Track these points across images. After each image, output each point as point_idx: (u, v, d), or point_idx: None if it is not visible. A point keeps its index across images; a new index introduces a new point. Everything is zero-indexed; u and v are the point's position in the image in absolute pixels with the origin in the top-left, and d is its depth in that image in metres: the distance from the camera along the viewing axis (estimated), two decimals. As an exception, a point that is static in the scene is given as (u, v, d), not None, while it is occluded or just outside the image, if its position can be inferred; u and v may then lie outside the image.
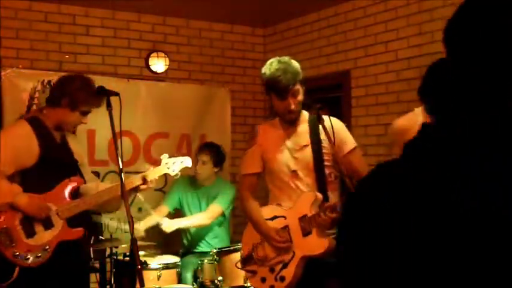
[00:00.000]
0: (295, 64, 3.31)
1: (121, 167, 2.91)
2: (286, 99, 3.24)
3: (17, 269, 3.28)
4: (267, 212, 3.38)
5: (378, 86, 5.40)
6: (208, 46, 6.46)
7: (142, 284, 2.70)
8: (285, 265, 3.24)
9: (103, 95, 3.13)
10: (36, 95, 5.10)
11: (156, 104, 5.73)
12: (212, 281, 4.42)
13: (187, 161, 3.78)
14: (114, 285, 4.47)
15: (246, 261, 3.42)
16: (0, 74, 5.03)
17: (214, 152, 5.09)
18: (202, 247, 5.10)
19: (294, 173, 3.30)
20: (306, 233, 3.21)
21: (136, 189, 3.57)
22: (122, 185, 2.92)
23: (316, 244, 3.17)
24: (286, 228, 3.29)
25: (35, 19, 5.61)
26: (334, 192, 3.36)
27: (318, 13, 6.03)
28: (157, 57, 6.11)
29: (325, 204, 3.19)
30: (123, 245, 4.44)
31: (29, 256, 3.31)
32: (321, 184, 3.29)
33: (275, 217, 3.32)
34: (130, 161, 5.49)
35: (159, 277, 4.53)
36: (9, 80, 5.08)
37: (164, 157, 3.71)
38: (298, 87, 3.26)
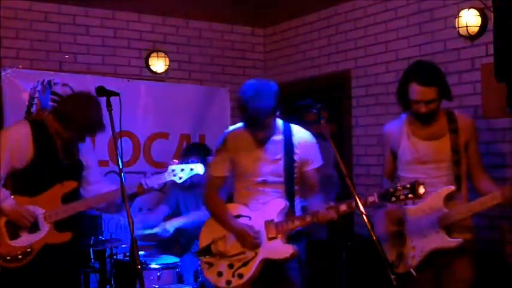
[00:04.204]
0: (269, 91, 3.22)
1: (121, 167, 2.91)
2: (259, 131, 3.28)
3: None
4: (231, 209, 3.42)
5: (378, 86, 5.40)
6: (208, 46, 6.45)
7: (142, 284, 2.69)
8: (245, 263, 3.30)
9: (103, 96, 3.11)
10: (36, 95, 5.09)
11: (156, 104, 5.72)
12: (212, 281, 4.42)
13: (198, 168, 3.76)
14: (114, 285, 4.48)
15: (203, 252, 3.44)
16: (0, 74, 5.03)
17: (200, 156, 4.99)
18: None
19: (264, 181, 3.36)
20: (271, 237, 3.28)
21: (136, 194, 3.62)
22: (122, 185, 2.92)
23: (281, 250, 3.27)
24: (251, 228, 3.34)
25: (35, 19, 5.61)
26: (298, 199, 3.45)
27: (318, 13, 6.03)
28: (157, 57, 6.11)
29: (292, 214, 3.31)
30: (123, 245, 4.44)
31: (8, 257, 3.32)
32: (289, 193, 3.37)
33: (240, 216, 3.37)
34: (130, 161, 5.48)
35: (159, 277, 4.53)
36: (9, 80, 5.07)
37: (172, 164, 3.71)
38: (270, 118, 3.23)
